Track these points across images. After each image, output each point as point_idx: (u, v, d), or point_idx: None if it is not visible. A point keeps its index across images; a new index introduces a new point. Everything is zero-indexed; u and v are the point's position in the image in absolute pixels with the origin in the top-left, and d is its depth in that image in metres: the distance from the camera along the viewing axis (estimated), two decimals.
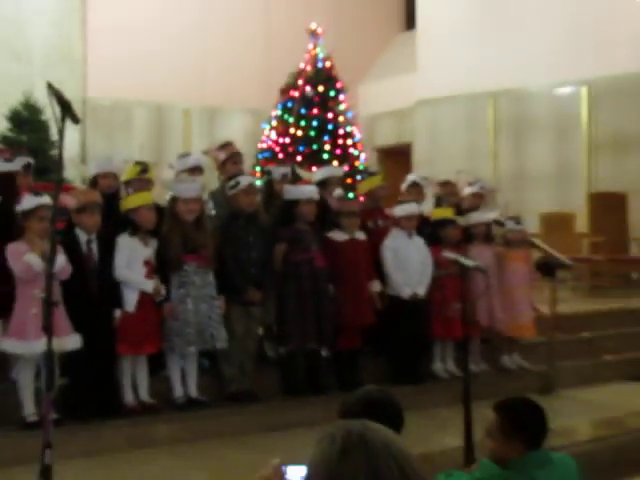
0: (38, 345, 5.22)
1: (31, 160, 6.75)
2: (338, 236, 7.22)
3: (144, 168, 7.00)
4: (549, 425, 3.69)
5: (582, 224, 13.02)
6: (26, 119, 13.94)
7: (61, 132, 4.04)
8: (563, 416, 6.97)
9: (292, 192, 7.08)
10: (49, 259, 3.85)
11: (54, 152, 12.93)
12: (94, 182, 6.65)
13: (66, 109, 4.00)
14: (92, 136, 15.17)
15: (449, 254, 5.61)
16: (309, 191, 7.09)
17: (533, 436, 3.60)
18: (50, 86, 4.06)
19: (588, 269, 12.22)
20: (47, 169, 10.83)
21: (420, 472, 1.71)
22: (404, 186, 8.23)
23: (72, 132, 15.17)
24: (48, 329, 3.71)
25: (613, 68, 13.88)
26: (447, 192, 8.42)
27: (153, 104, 15.86)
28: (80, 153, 14.41)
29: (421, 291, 7.40)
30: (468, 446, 4.99)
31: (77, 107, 13.54)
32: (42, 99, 13.64)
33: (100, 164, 6.86)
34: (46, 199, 5.71)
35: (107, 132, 15.23)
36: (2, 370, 5.89)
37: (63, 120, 4.02)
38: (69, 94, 14.16)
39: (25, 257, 5.61)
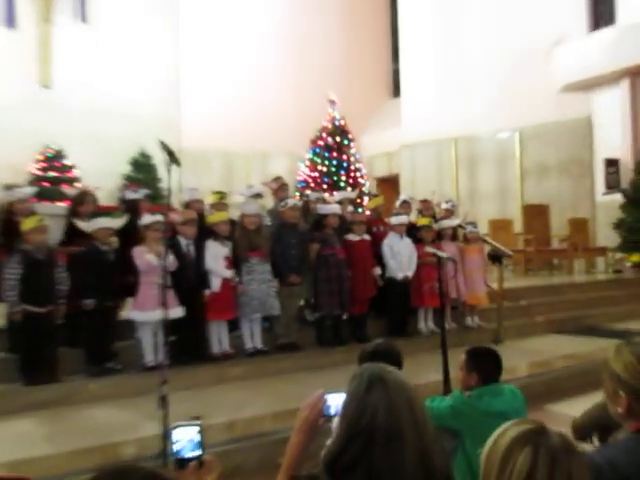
0: (154, 315, 5.27)
1: (149, 191, 6.82)
2: (352, 237, 7.22)
3: (222, 196, 7.04)
4: (501, 366, 3.63)
5: (518, 226, 12.94)
6: (141, 163, 14.10)
7: (169, 171, 4.08)
8: (508, 359, 6.90)
9: (323, 209, 7.14)
10: (163, 257, 3.87)
11: (161, 185, 13.05)
12: (187, 205, 6.63)
13: (171, 156, 4.03)
14: (185, 174, 15.21)
15: (430, 249, 5.60)
16: (334, 208, 7.14)
17: (486, 372, 3.55)
18: (162, 142, 4.11)
19: (523, 257, 12.15)
20: (156, 197, 10.93)
21: (420, 401, 1.73)
22: (397, 203, 8.17)
23: (174, 172, 15.32)
24: (164, 304, 3.72)
25: (536, 118, 13.87)
26: (425, 207, 8.38)
27: (224, 151, 15.91)
28: (178, 185, 14.48)
29: (410, 274, 7.41)
30: (445, 380, 4.96)
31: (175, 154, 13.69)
32: (150, 150, 13.87)
33: (191, 193, 6.87)
34: (158, 217, 5.78)
35: (195, 171, 15.27)
36: (131, 331, 5.92)
37: (170, 163, 4.06)
38: (170, 145, 14.23)
39: (146, 256, 5.66)
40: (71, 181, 12.54)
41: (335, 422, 1.74)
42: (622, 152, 12.84)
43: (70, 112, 13.97)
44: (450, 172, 15.44)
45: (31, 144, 13.09)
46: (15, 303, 5.24)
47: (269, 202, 7.88)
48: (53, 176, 12.59)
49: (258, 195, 7.06)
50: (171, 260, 5.63)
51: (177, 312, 5.75)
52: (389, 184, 16.73)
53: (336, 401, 1.86)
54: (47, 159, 12.78)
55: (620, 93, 12.88)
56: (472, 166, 15.13)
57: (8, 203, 5.96)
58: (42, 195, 11.73)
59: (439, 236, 7.83)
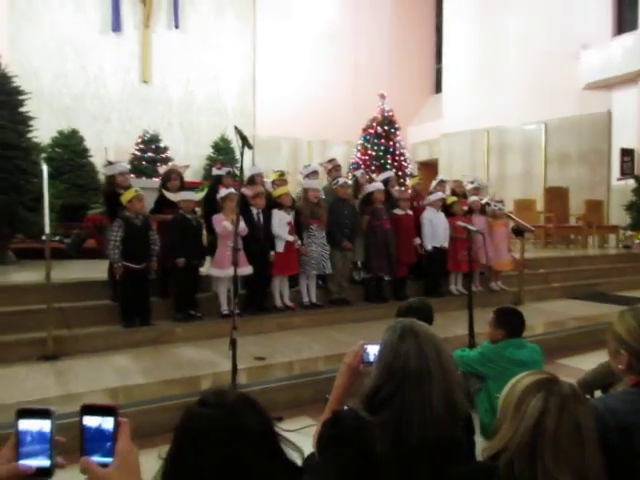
0: (229, 272, 5.30)
1: (231, 169, 6.79)
2: (398, 212, 7.13)
3: (281, 173, 7.00)
4: (524, 324, 3.61)
5: (540, 206, 12.50)
6: (221, 147, 14.19)
7: (242, 154, 4.04)
8: (527, 319, 6.71)
9: (369, 187, 7.04)
10: (236, 224, 3.84)
11: (238, 165, 13.10)
12: (251, 179, 6.56)
13: (244, 140, 3.98)
14: (258, 157, 15.29)
15: (462, 223, 5.43)
16: (379, 186, 7.02)
17: (512, 328, 3.54)
18: (236, 127, 4.06)
19: (543, 232, 11.77)
20: (234, 175, 11.00)
21: (446, 349, 1.72)
22: (434, 183, 7.97)
23: (248, 155, 15.37)
24: (235, 263, 3.71)
25: (560, 112, 13.34)
26: (457, 186, 8.12)
27: (291, 138, 15.83)
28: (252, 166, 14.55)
29: (445, 245, 7.29)
30: (470, 334, 4.85)
31: (250, 140, 13.84)
32: (230, 136, 13.94)
33: (253, 169, 6.78)
34: (232, 190, 5.80)
35: (266, 155, 15.29)
36: (210, 285, 5.99)
37: (243, 147, 4.02)
38: (246, 133, 14.35)
39: (223, 222, 5.68)
40: (164, 161, 12.73)
41: (373, 367, 1.74)
42: (637, 143, 12.32)
43: (164, 103, 14.18)
44: (482, 158, 15.06)
45: (133, 130, 13.38)
46: (117, 260, 5.33)
47: (324, 180, 7.79)
48: (149, 156, 12.81)
49: (315, 173, 6.97)
50: (243, 226, 5.64)
51: (247, 270, 5.78)
52: (429, 168, 16.43)
53: (374, 350, 1.87)
54: (145, 142, 12.98)
55: (637, 91, 12.28)
56: (502, 154, 14.71)
57: (110, 177, 6.04)
58: (140, 172, 12.03)
59: (470, 210, 7.64)
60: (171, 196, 5.79)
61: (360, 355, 1.94)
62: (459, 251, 7.17)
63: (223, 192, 5.84)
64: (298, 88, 15.64)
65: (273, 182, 6.92)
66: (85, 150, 12.14)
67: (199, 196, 6.04)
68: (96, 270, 6.34)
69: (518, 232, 7.76)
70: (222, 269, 5.66)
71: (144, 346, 5.25)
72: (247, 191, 6.06)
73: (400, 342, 1.67)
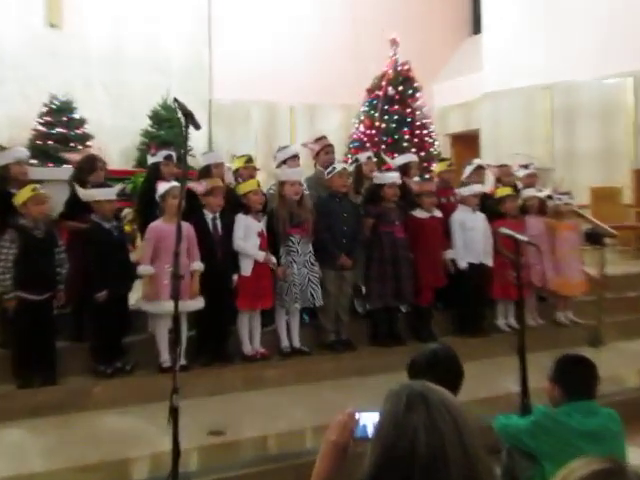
0: (170, 306, 5.24)
1: (172, 152, 6.78)
2: (420, 214, 7.17)
3: (249, 158, 7.00)
4: (595, 379, 3.58)
5: (628, 196, 12.55)
6: (164, 118, 14.20)
7: (185, 136, 4.02)
8: (610, 365, 6.77)
9: (379, 178, 7.05)
10: (176, 240, 3.81)
11: (189, 144, 13.05)
12: (207, 170, 6.56)
13: (188, 117, 3.97)
14: (216, 131, 15.33)
15: (505, 231, 5.42)
16: (392, 177, 7.02)
17: (573, 385, 3.53)
18: (176, 100, 4.05)
19: (633, 236, 11.79)
20: (179, 159, 10.99)
21: (470, 423, 1.73)
22: (468, 169, 7.95)
23: (202, 132, 15.44)
24: (175, 296, 3.70)
25: None
26: (503, 173, 8.15)
27: (265, 103, 15.87)
28: (207, 145, 14.56)
29: (489, 262, 7.32)
30: (523, 391, 4.82)
31: (204, 107, 13.74)
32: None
33: (212, 156, 6.78)
34: (174, 183, 5.82)
35: (229, 127, 15.34)
36: (144, 322, 6.06)
37: (186, 126, 4.00)
38: (198, 96, 14.33)
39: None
40: (80, 139, 12.73)
41: (369, 449, 1.76)
42: None
43: (81, 57, 14.15)
44: (542, 128, 15.05)
45: (36, 95, 13.34)
46: (7, 289, 5.32)
47: (309, 169, 7.77)
48: (59, 133, 12.80)
49: (295, 157, 6.97)
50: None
51: (196, 304, 5.80)
52: (466, 142, 16.47)
53: (370, 420, 1.92)
54: (53, 112, 12.97)
55: None
56: (570, 121, 14.68)
57: (2, 168, 6.03)
58: (45, 156, 12.00)
59: (522, 210, 7.66)
60: (84, 194, 5.79)
61: (350, 428, 1.96)
62: (505, 270, 7.17)
63: (162, 187, 5.84)
64: (274, 32, 15.69)
65: (236, 172, 6.92)
66: None
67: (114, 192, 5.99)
68: None
69: (595, 238, 7.81)
70: (159, 302, 5.64)
71: (47, 414, 5.22)
72: (197, 186, 6.07)
73: (406, 415, 1.70)
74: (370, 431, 1.89)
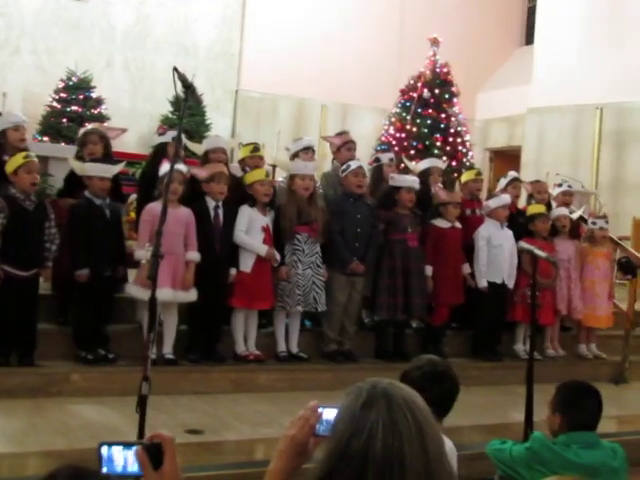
0: (161, 293, 5.30)
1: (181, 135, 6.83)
2: (441, 224, 7.14)
3: (255, 147, 7.01)
4: (600, 410, 3.59)
5: None
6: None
7: (183, 110, 4.04)
8: (632, 405, 6.70)
9: (396, 180, 7.01)
10: (160, 221, 3.80)
11: (209, 134, 13.14)
12: (205, 157, 6.61)
13: (189, 90, 3.98)
14: (241, 123, 15.38)
15: (524, 245, 5.40)
16: (411, 181, 6.99)
17: (574, 414, 3.52)
18: (175, 69, 4.04)
19: None
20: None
21: (437, 430, 1.70)
22: (503, 181, 8.01)
23: (224, 119, 15.60)
24: (153, 277, 3.69)
25: None
26: (536, 190, 8.08)
27: (296, 98, 15.89)
28: (230, 137, 14.60)
29: (511, 284, 7.29)
30: (527, 421, 4.78)
31: (230, 97, 13.81)
32: (202, 89, 13.99)
33: (210, 141, 6.85)
34: (181, 166, 5.89)
35: (255, 120, 15.38)
36: (131, 311, 6.11)
37: (186, 100, 4.02)
38: (224, 86, 14.42)
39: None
40: (97, 119, 12.80)
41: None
42: None
43: (104, 32, 14.29)
44: (589, 150, 14.93)
45: (53, 69, 13.48)
46: None
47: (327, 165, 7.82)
48: (73, 112, 12.87)
49: (309, 149, 6.98)
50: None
51: (189, 296, 5.82)
52: (506, 159, 16.44)
53: (333, 417, 1.87)
54: (69, 89, 13.06)
55: None
56: (620, 144, 14.58)
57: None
58: (59, 134, 12.11)
59: (553, 230, 7.60)
60: (77, 167, 5.84)
61: (311, 424, 1.92)
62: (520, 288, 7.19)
63: (164, 168, 5.87)
64: (311, 24, 15.74)
65: (242, 161, 6.94)
66: None
67: (114, 170, 6.04)
68: None
69: (628, 268, 7.71)
70: (149, 288, 5.63)
71: (21, 397, 5.28)
72: (200, 172, 6.10)
73: (364, 411, 1.66)
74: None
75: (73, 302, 5.96)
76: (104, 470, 1.71)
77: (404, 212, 6.89)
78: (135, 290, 5.80)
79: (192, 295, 5.87)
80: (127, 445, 1.73)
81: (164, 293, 5.32)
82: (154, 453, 1.70)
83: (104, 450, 1.72)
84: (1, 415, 4.93)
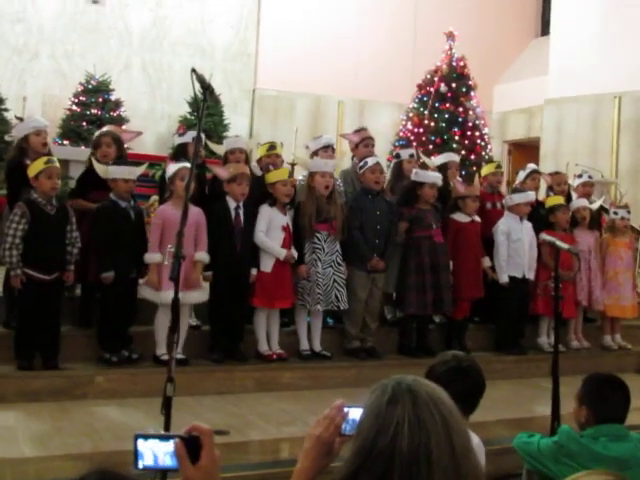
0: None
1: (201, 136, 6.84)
2: (460, 218, 7.11)
3: (272, 145, 6.99)
4: (628, 402, 3.56)
5: None
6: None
7: (202, 111, 4.01)
8: None
9: (420, 175, 6.95)
10: (181, 220, 3.76)
11: (227, 134, 13.14)
12: (225, 157, 6.62)
13: (208, 92, 3.97)
14: (259, 122, 15.38)
15: (546, 237, 5.35)
16: (434, 177, 6.96)
17: (602, 407, 3.49)
18: (194, 70, 4.03)
19: None
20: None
21: (463, 425, 1.70)
22: (522, 174, 7.95)
23: (242, 118, 15.61)
24: (175, 278, 3.64)
25: None
26: (556, 182, 8.00)
27: (313, 95, 15.86)
28: (248, 136, 14.61)
29: (531, 276, 7.28)
30: (554, 415, 4.75)
31: (247, 96, 13.80)
32: (219, 89, 13.98)
33: (229, 141, 6.84)
34: (184, 164, 5.79)
35: (272, 119, 15.37)
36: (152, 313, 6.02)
37: (205, 101, 4.00)
38: (242, 85, 14.41)
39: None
40: (116, 122, 12.83)
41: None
42: None
43: (121, 35, 14.34)
44: (608, 140, 14.81)
45: (72, 73, 13.56)
46: (14, 265, 5.36)
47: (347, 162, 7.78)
48: (93, 115, 12.92)
49: (329, 147, 6.94)
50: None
51: (200, 296, 5.86)
52: (525, 151, 16.33)
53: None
54: (87, 92, 13.12)
55: None
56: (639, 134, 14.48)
57: (22, 139, 6.11)
58: (78, 137, 12.16)
59: (573, 222, 7.56)
60: (100, 170, 5.83)
61: (337, 423, 1.92)
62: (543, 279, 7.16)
63: (172, 168, 5.85)
64: (326, 20, 15.69)
65: (259, 161, 6.91)
66: None
67: (137, 172, 6.03)
68: None
69: None
70: (163, 290, 5.60)
71: (45, 400, 5.29)
72: (221, 172, 6.07)
73: (389, 408, 1.66)
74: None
75: (96, 305, 5.95)
76: (139, 464, 1.65)
77: (427, 208, 6.86)
78: (147, 292, 5.80)
79: (204, 296, 5.87)
80: (164, 438, 1.66)
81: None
82: (192, 446, 1.64)
83: (140, 443, 1.65)
84: (26, 418, 4.96)
